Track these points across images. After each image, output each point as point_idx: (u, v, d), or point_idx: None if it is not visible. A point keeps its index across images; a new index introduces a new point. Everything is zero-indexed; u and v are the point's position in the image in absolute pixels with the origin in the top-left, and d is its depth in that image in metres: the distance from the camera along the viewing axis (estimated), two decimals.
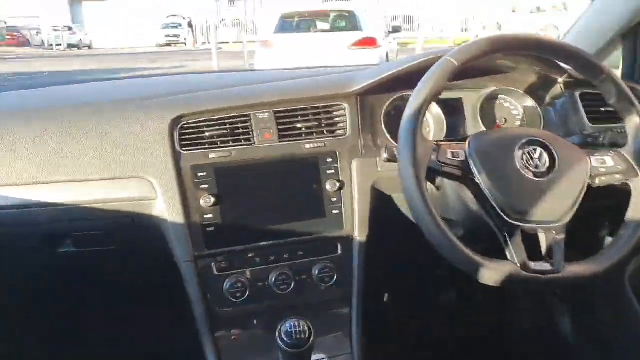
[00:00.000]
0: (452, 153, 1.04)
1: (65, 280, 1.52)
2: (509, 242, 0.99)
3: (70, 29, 25.52)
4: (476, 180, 1.02)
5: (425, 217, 0.97)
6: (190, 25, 26.06)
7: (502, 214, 1.00)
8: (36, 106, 1.24)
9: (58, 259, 1.30)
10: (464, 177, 1.04)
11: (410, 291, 1.95)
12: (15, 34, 25.75)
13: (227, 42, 21.41)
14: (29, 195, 1.14)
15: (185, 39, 25.29)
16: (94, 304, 1.63)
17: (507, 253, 1.00)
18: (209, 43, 15.99)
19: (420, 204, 0.97)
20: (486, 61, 1.18)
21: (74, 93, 1.37)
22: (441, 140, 1.09)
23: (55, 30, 24.16)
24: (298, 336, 1.03)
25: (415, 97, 1.02)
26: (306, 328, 1.05)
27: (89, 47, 25.98)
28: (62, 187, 1.15)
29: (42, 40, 25.96)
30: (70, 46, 24.27)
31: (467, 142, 1.06)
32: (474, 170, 1.02)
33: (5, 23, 26.00)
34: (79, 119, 1.17)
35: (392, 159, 1.08)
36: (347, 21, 7.84)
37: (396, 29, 9.76)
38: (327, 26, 7.98)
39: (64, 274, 1.47)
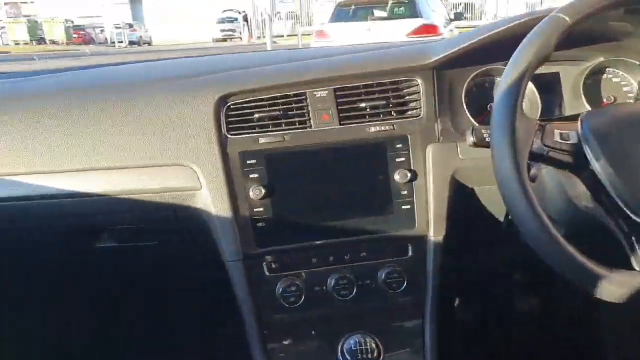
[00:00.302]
0: (561, 134, 0.84)
1: (103, 278, 1.41)
2: (638, 248, 0.78)
3: (130, 26, 26.43)
4: (592, 169, 0.82)
5: (526, 214, 0.78)
6: (245, 19, 26.31)
7: (628, 213, 0.79)
8: (67, 87, 1.12)
9: (95, 254, 1.19)
10: (576, 164, 0.85)
11: (484, 297, 1.74)
12: (81, 32, 27.00)
13: (282, 36, 21.44)
14: (60, 185, 1.03)
15: (240, 33, 25.58)
16: (133, 305, 1.51)
17: (634, 261, 0.79)
18: (264, 37, 16.04)
19: (521, 197, 0.78)
20: (597, 23, 0.96)
21: (110, 73, 1.24)
22: (546, 119, 0.88)
23: (117, 27, 25.05)
24: (364, 356, 0.86)
25: (516, 63, 0.82)
26: (374, 346, 0.89)
27: (149, 44, 26.78)
28: (95, 176, 1.03)
29: (105, 38, 26.99)
30: (131, 43, 25.09)
31: (579, 121, 0.85)
32: (590, 156, 0.82)
33: (72, 22, 27.27)
34: (113, 100, 1.05)
35: (480, 142, 0.90)
36: (406, 8, 7.55)
37: (458, 17, 9.34)
38: (384, 14, 7.72)
39: (102, 271, 1.36)
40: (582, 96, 1.16)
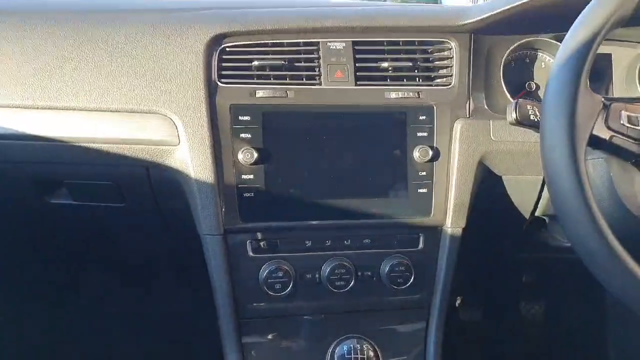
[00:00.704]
0: (629, 118, 0.72)
1: (60, 241, 1.24)
2: None
3: None
4: None
5: (581, 217, 0.64)
6: None
7: None
8: (30, 7, 0.94)
9: (51, 212, 1.02)
10: None
11: (489, 298, 1.61)
12: None
13: None
14: (8, 123, 0.86)
15: None
16: (94, 275, 1.35)
17: None
18: None
19: (577, 196, 0.64)
20: None
21: (90, 1, 1.06)
22: (611, 97, 0.73)
23: None
24: None
25: (587, 22, 0.67)
26: (371, 354, 0.74)
27: None
28: (54, 116, 0.86)
29: None
30: None
31: None
32: None
33: None
34: (85, 27, 0.88)
35: (525, 120, 0.79)
36: None
37: None
38: None
39: (58, 233, 1.18)
40: (637, 81, 1.04)
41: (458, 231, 0.95)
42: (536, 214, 1.04)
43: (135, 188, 0.97)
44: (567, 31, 0.69)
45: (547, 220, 1.07)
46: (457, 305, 1.58)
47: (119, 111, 0.86)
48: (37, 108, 0.86)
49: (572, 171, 0.64)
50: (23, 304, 1.36)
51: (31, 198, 0.99)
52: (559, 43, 0.94)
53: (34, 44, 0.87)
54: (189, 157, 0.86)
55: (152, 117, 0.86)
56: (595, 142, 0.70)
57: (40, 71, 0.85)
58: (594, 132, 0.69)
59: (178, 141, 0.87)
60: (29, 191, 0.98)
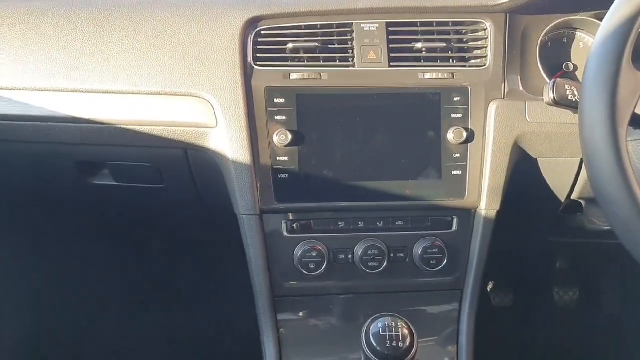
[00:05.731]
0: None
1: (100, 221, 1.29)
2: None
3: None
4: None
5: (622, 200, 0.63)
6: None
7: None
8: None
9: (93, 192, 1.06)
10: None
11: (520, 283, 1.60)
12: None
13: None
14: (52, 105, 0.89)
15: None
16: (132, 253, 1.39)
17: None
18: None
19: (617, 173, 0.63)
20: None
21: None
22: None
23: None
24: (395, 343, 0.72)
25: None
26: (406, 331, 0.75)
27: None
28: (95, 99, 0.89)
29: None
30: None
31: None
32: None
33: None
34: (124, 12, 0.91)
35: (562, 100, 0.79)
36: None
37: None
38: None
39: (99, 212, 1.23)
40: None
41: (492, 213, 0.94)
42: (572, 196, 1.02)
43: (173, 169, 1.00)
44: (607, 8, 0.68)
45: (583, 204, 1.06)
46: (488, 289, 1.57)
47: (158, 94, 0.88)
48: (78, 91, 0.89)
49: (612, 152, 0.63)
50: (65, 281, 1.42)
51: (74, 179, 1.03)
52: (599, 21, 0.92)
53: (73, 28, 0.89)
54: (226, 139, 0.88)
55: (190, 99, 0.88)
56: (637, 122, 0.69)
57: (81, 55, 0.88)
58: (636, 112, 0.67)
59: (215, 123, 0.88)
60: (72, 172, 1.01)
